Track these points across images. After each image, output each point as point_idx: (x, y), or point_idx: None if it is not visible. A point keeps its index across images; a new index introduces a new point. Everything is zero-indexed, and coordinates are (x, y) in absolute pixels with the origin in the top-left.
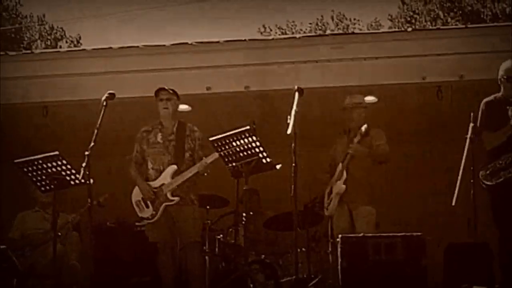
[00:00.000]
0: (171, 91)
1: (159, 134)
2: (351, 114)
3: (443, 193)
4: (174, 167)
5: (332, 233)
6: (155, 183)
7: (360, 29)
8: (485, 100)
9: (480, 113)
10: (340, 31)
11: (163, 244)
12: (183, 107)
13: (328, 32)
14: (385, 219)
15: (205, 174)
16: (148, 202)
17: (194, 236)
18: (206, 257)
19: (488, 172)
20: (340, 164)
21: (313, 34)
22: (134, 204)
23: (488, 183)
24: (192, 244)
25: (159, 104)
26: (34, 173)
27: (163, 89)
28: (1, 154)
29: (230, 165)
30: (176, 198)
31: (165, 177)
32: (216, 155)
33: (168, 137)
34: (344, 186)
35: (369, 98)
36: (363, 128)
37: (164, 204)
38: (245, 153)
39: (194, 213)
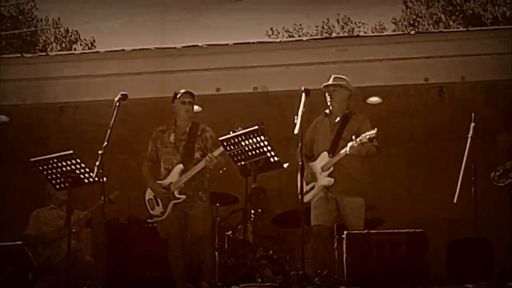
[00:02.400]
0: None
1: (172, 134)
2: (332, 94)
3: (445, 190)
4: (181, 166)
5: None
6: (164, 182)
7: (365, 32)
8: None
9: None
10: (346, 34)
11: (174, 240)
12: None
13: (333, 35)
14: (389, 217)
15: (220, 171)
16: (159, 200)
17: (204, 232)
18: (216, 253)
19: (498, 173)
20: (326, 153)
21: (319, 37)
22: (147, 202)
23: (498, 184)
24: (202, 240)
25: (181, 106)
26: (49, 171)
27: (188, 92)
28: (17, 152)
29: (239, 163)
30: (183, 196)
31: (173, 176)
32: (221, 148)
33: (180, 137)
34: (332, 180)
35: (373, 99)
36: (369, 134)
37: (172, 202)
38: (253, 152)
39: (204, 210)
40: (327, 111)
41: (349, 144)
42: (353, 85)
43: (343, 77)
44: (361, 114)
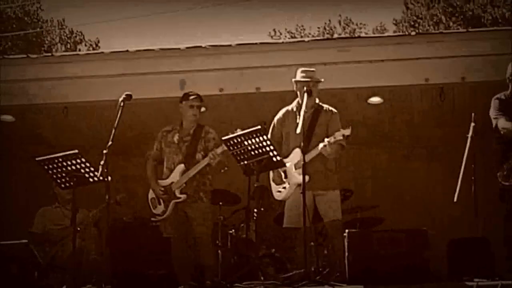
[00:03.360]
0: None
1: (176, 134)
2: (311, 89)
3: (446, 189)
4: (182, 166)
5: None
6: (166, 182)
7: (366, 33)
8: (495, 96)
9: (492, 107)
10: (347, 35)
11: (176, 239)
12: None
13: (335, 36)
14: (389, 216)
15: (222, 170)
16: (160, 200)
17: (207, 231)
18: (219, 251)
19: (505, 173)
20: (298, 150)
21: (321, 37)
22: (149, 201)
23: (505, 183)
24: (203, 240)
25: (189, 109)
26: (55, 170)
27: (198, 97)
28: (23, 152)
29: (242, 163)
30: (184, 196)
31: (174, 176)
32: (224, 146)
33: (184, 138)
34: (307, 177)
35: (375, 99)
36: (344, 133)
37: (173, 202)
38: (256, 151)
39: (205, 210)
40: (296, 104)
41: (321, 144)
42: (354, 85)
43: (313, 69)
44: (330, 107)
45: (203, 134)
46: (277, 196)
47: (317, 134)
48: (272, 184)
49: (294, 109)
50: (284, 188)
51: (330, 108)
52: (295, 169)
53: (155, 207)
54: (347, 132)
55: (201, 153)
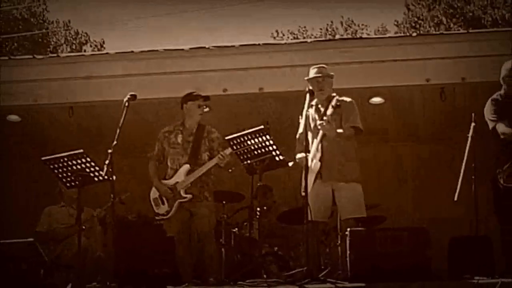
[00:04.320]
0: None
1: (180, 135)
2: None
3: (447, 188)
4: (187, 166)
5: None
6: (170, 182)
7: (368, 34)
8: (491, 97)
9: (488, 108)
10: (349, 36)
11: (180, 238)
12: None
13: (337, 37)
14: (391, 215)
15: (230, 170)
16: (164, 199)
17: (209, 230)
18: (222, 250)
19: (506, 174)
20: (315, 141)
21: (323, 38)
22: (152, 201)
23: (507, 184)
24: (207, 238)
25: (197, 109)
26: (60, 170)
27: (207, 98)
28: (29, 152)
29: (245, 162)
30: (189, 196)
31: (179, 176)
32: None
33: (187, 138)
34: (318, 164)
35: (376, 99)
36: (334, 102)
37: (178, 201)
38: (259, 151)
39: (209, 209)
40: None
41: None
42: (356, 85)
43: (323, 65)
44: (345, 98)
45: (206, 134)
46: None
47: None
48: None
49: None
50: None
51: (345, 98)
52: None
53: (158, 206)
54: (332, 103)
55: (207, 153)
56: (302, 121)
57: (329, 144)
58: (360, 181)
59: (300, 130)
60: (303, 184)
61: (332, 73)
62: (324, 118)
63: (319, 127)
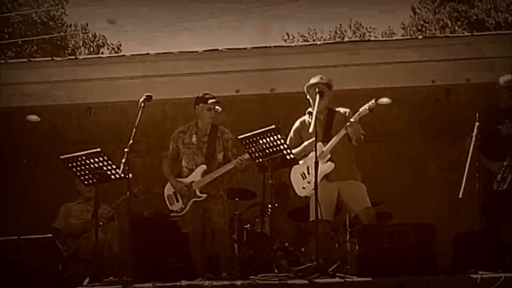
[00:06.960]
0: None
1: (194, 135)
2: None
3: (452, 186)
4: (204, 166)
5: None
6: (186, 180)
7: (375, 37)
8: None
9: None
10: (357, 39)
11: (194, 234)
12: None
13: (346, 39)
14: (397, 212)
15: (246, 172)
16: (179, 197)
17: (223, 227)
18: (235, 245)
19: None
20: (320, 144)
21: (332, 41)
22: (166, 198)
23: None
24: (221, 234)
25: (207, 112)
26: (78, 168)
27: (218, 101)
28: (48, 150)
29: (257, 160)
30: (204, 195)
31: (196, 176)
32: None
33: (202, 139)
34: (332, 164)
35: (384, 100)
36: (371, 104)
37: (192, 200)
38: (270, 150)
39: (223, 206)
40: (308, 114)
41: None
42: (364, 86)
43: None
44: (344, 109)
45: (219, 134)
46: (301, 192)
47: (335, 130)
48: (295, 181)
49: (307, 118)
50: (309, 182)
51: (345, 110)
52: (320, 159)
53: (172, 204)
54: (372, 103)
55: (221, 154)
56: (312, 121)
57: (339, 146)
58: (363, 181)
59: (310, 129)
60: (306, 185)
61: (332, 84)
62: (351, 120)
63: (348, 128)
